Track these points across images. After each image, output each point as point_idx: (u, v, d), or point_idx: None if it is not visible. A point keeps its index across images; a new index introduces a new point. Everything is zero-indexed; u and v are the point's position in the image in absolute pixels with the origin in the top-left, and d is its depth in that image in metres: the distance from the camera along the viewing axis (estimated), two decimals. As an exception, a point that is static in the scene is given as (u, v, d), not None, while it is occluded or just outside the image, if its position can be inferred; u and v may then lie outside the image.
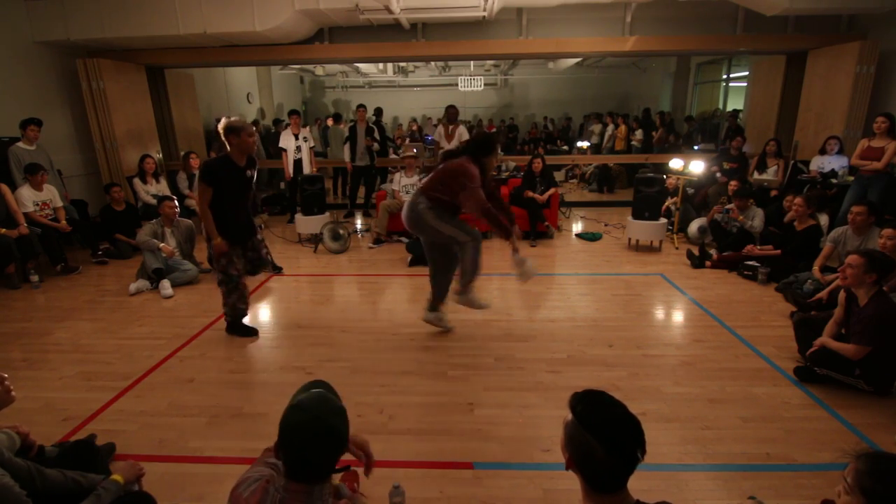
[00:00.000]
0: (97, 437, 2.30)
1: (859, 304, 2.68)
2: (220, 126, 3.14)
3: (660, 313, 4.01)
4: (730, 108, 10.14)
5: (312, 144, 6.97)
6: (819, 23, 6.30)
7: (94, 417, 2.61)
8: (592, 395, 1.17)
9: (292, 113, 6.87)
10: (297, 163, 6.77)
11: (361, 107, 7.31)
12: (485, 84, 14.51)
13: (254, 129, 3.20)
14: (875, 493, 1.13)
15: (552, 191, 6.12)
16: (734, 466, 2.19)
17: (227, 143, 3.16)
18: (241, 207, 3.32)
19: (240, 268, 3.38)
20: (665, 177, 5.94)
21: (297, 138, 6.73)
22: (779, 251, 4.56)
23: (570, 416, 1.16)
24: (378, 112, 10.44)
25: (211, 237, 3.20)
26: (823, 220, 4.88)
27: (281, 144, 6.75)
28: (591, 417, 1.12)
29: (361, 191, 7.65)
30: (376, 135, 7.31)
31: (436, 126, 8.90)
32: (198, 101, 8.31)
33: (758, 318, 3.77)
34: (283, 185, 8.31)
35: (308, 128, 7.72)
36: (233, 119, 3.16)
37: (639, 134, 10.32)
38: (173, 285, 4.43)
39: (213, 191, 3.15)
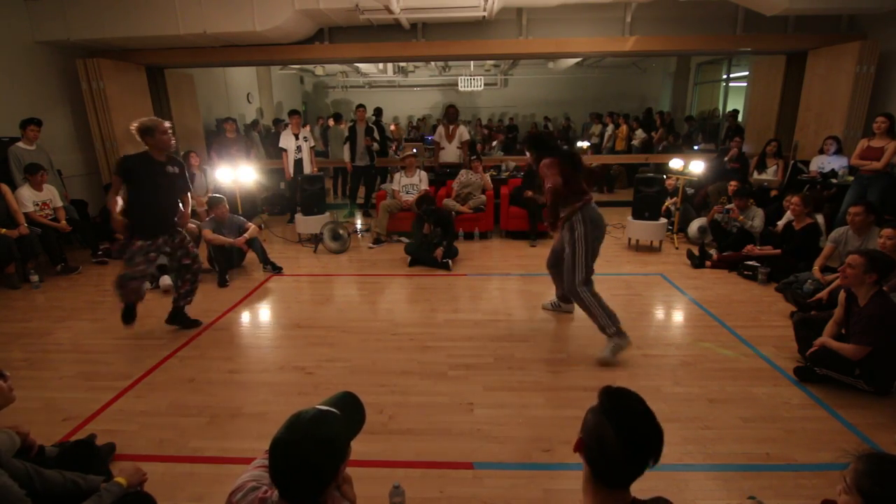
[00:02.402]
0: (97, 437, 2.30)
1: (859, 304, 2.68)
2: (133, 128, 3.16)
3: (660, 313, 4.01)
4: (730, 108, 10.13)
5: (313, 144, 6.97)
6: (819, 23, 6.30)
7: (94, 417, 2.61)
8: (622, 388, 1.15)
9: (293, 113, 6.86)
10: (298, 163, 6.77)
11: (361, 107, 7.31)
12: (485, 84, 14.49)
13: (167, 126, 3.22)
14: (873, 495, 1.13)
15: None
16: (734, 466, 2.19)
17: (144, 144, 3.19)
18: (161, 203, 3.30)
19: (146, 269, 3.35)
20: (665, 177, 5.94)
21: (297, 138, 6.73)
22: (779, 251, 4.56)
23: (595, 403, 1.14)
24: (378, 112, 10.45)
25: (114, 222, 3.27)
26: (819, 220, 4.87)
27: (281, 144, 6.75)
28: (615, 404, 1.10)
29: (361, 191, 7.65)
30: (376, 134, 7.31)
31: (435, 126, 8.90)
32: (198, 101, 8.30)
33: (758, 318, 3.76)
34: (283, 185, 8.32)
35: (307, 127, 7.71)
36: (143, 120, 3.19)
37: (640, 134, 10.31)
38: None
39: (131, 185, 3.19)
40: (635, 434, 1.07)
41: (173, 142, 3.28)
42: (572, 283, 3.16)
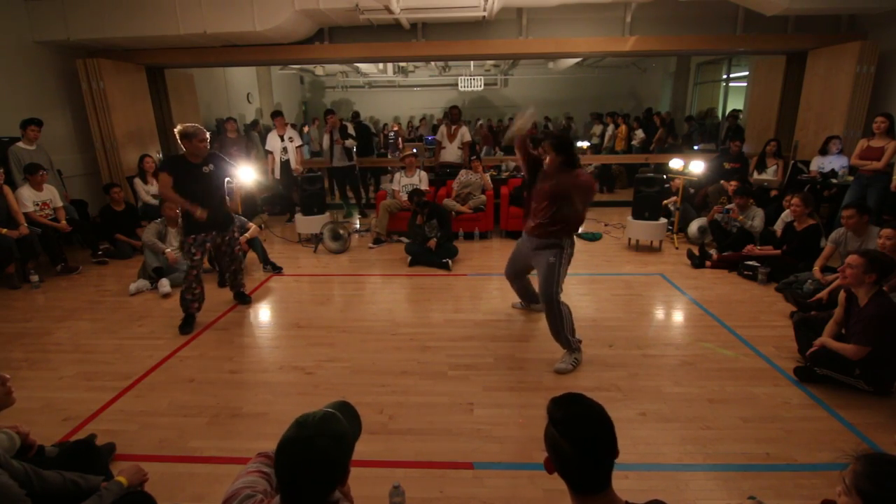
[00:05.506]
0: (97, 437, 2.30)
1: (859, 304, 2.68)
2: (176, 130, 3.44)
3: (660, 313, 4.01)
4: (730, 108, 10.13)
5: (299, 143, 6.95)
6: (819, 23, 6.30)
7: (94, 417, 2.61)
8: (566, 395, 1.20)
9: (276, 114, 6.83)
10: (285, 163, 6.78)
11: (330, 113, 7.06)
12: (485, 84, 14.50)
13: (206, 135, 3.47)
14: (871, 496, 1.13)
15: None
16: (734, 466, 2.19)
17: (181, 146, 3.47)
18: (203, 200, 3.51)
19: (197, 258, 3.61)
20: (667, 177, 5.93)
21: (282, 139, 6.72)
22: (779, 251, 4.56)
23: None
24: (355, 115, 10.42)
25: (192, 212, 3.43)
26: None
27: (267, 147, 6.75)
28: (558, 414, 1.15)
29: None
30: (351, 130, 7.19)
31: (435, 126, 8.89)
32: (198, 101, 8.30)
33: (758, 318, 3.76)
34: (282, 186, 8.29)
35: (289, 126, 7.57)
36: (187, 125, 3.44)
37: (640, 134, 10.31)
38: (172, 285, 4.43)
39: (176, 186, 3.44)
40: (581, 435, 1.11)
41: (207, 150, 3.51)
42: (553, 295, 3.03)
